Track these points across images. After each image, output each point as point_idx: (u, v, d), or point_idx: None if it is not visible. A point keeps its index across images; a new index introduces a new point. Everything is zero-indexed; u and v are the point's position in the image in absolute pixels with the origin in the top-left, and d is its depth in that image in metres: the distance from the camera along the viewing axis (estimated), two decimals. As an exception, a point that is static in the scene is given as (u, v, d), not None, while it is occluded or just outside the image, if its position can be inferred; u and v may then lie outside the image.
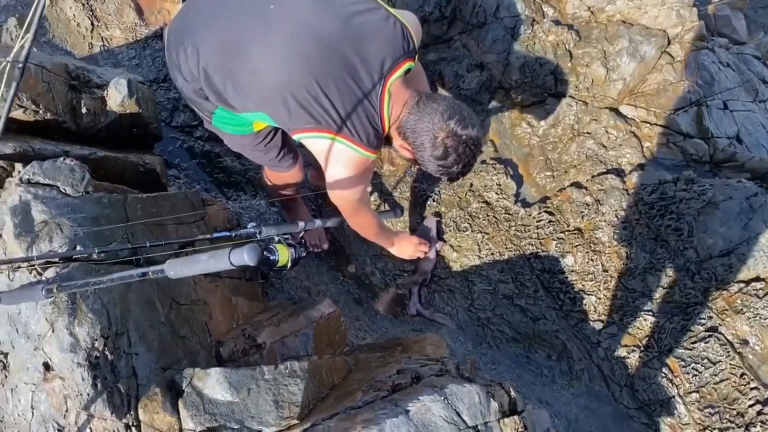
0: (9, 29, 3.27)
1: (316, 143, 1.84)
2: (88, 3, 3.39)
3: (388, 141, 2.01)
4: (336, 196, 2.06)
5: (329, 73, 1.73)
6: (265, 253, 2.34)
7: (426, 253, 2.61)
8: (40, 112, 2.25)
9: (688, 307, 2.45)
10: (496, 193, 2.77)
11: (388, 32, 1.79)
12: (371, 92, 1.77)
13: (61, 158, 1.99)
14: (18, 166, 2.00)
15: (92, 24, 3.38)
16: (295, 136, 1.86)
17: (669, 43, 2.79)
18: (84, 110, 2.39)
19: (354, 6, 1.79)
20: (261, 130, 2.08)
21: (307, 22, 1.75)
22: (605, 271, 2.55)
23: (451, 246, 2.78)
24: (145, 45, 3.32)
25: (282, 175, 2.42)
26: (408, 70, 1.85)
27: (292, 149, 2.30)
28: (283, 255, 2.33)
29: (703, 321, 2.42)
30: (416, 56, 1.90)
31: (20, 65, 0.83)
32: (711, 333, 2.41)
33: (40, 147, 2.09)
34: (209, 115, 2.05)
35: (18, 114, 2.24)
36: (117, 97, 2.43)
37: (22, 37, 0.79)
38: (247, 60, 1.79)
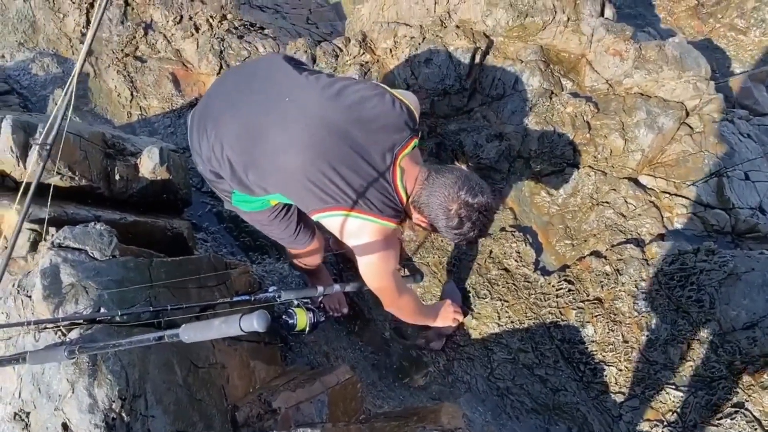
0: (55, 99, 3.48)
1: (332, 221, 1.94)
2: (129, 75, 3.60)
3: (407, 215, 2.11)
4: (370, 276, 2.14)
5: (343, 157, 1.86)
6: (284, 317, 2.40)
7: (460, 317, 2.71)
8: (76, 178, 2.37)
9: (712, 382, 2.39)
10: (516, 261, 2.78)
11: (395, 115, 1.93)
12: (385, 171, 1.89)
13: (92, 223, 2.08)
14: (52, 230, 2.10)
15: (132, 94, 3.57)
16: (314, 217, 1.97)
17: (687, 114, 2.83)
18: (117, 176, 2.51)
19: (362, 93, 1.94)
20: (276, 204, 2.18)
21: (321, 113, 1.88)
22: (626, 342, 2.52)
23: (471, 313, 2.79)
24: (180, 114, 3.49)
25: (302, 250, 2.50)
26: (414, 147, 1.97)
27: (309, 224, 2.39)
28: (302, 319, 2.38)
29: (728, 396, 2.35)
30: (419, 133, 2.03)
31: (48, 146, 0.91)
32: (737, 409, 2.34)
33: (74, 212, 2.20)
34: (228, 195, 2.17)
35: (55, 180, 2.37)
36: (149, 164, 2.55)
37: (50, 124, 0.87)
38: (266, 149, 1.92)
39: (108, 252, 1.99)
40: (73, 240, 1.97)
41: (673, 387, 2.43)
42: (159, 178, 2.58)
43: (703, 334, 2.43)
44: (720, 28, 3.97)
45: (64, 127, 1.05)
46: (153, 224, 2.45)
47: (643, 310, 2.52)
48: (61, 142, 1.11)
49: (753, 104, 3.29)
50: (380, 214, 1.91)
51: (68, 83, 0.98)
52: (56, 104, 3.44)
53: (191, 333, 1.47)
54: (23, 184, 0.92)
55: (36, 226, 2.07)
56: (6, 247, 2.14)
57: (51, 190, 1.22)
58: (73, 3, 3.84)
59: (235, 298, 2.18)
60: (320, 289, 2.43)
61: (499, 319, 2.72)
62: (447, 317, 2.66)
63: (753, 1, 3.97)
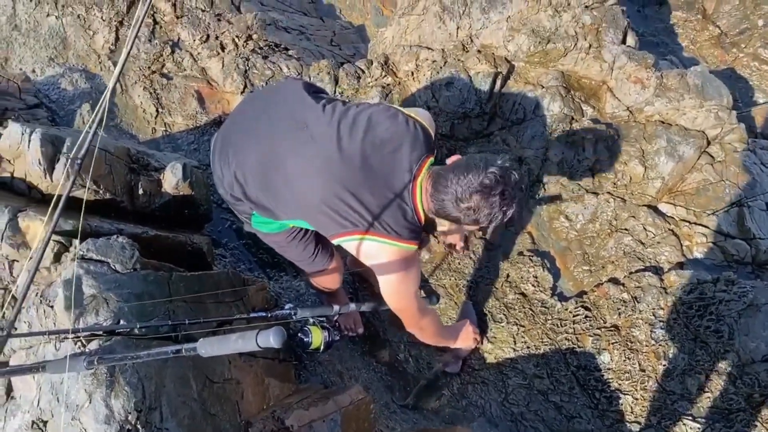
0: (82, 114, 3.55)
1: (351, 245, 1.96)
2: (155, 92, 3.67)
3: (431, 227, 2.11)
4: (391, 296, 2.15)
5: (360, 181, 1.88)
6: (299, 334, 2.40)
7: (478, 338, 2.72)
8: (100, 192, 2.42)
9: (730, 414, 2.36)
10: (533, 286, 2.77)
11: (411, 135, 1.95)
12: (402, 191, 1.89)
13: (114, 236, 2.12)
14: (75, 242, 2.14)
15: (157, 111, 3.64)
16: (334, 241, 1.99)
17: (708, 143, 2.82)
18: (141, 191, 2.56)
19: (375, 116, 1.96)
20: (293, 227, 2.22)
21: (337, 141, 1.91)
22: (642, 370, 2.49)
23: (486, 337, 2.78)
24: (203, 131, 3.54)
25: (320, 272, 2.52)
26: (431, 164, 1.97)
27: (328, 246, 2.41)
28: (317, 337, 2.38)
29: (746, 429, 2.31)
30: (434, 151, 2.02)
31: (78, 161, 0.94)
32: (756, 443, 2.30)
33: (97, 225, 2.24)
34: (248, 217, 2.21)
35: (80, 193, 2.42)
36: (172, 180, 2.60)
37: (82, 140, 0.90)
38: (285, 178, 1.96)
39: (129, 265, 2.03)
40: (96, 252, 2.00)
41: (690, 418, 2.40)
42: (181, 193, 2.62)
43: (722, 365, 2.40)
44: (743, 57, 3.96)
45: (96, 141, 1.08)
46: (174, 239, 2.48)
47: (661, 338, 2.49)
48: (93, 158, 1.14)
49: (775, 135, 3.27)
50: (398, 236, 1.92)
51: (101, 99, 1.01)
52: (84, 119, 3.52)
53: (208, 347, 1.49)
54: (54, 197, 0.95)
55: (60, 238, 2.11)
56: (31, 257, 2.19)
57: (84, 204, 1.26)
58: (103, 21, 3.94)
59: (252, 315, 2.20)
60: (336, 307, 2.44)
61: (515, 343, 2.71)
62: (467, 338, 2.66)
63: (777, 31, 3.96)
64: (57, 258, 2.09)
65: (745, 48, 4.00)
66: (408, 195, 1.91)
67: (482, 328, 2.79)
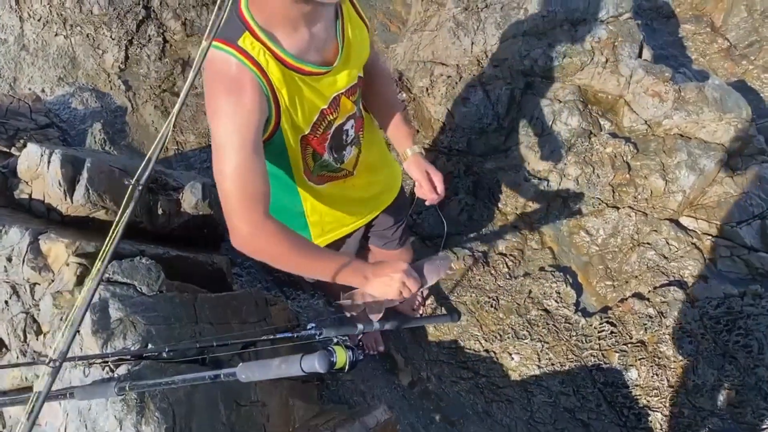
0: (94, 133, 3.53)
1: None
2: (166, 110, 3.66)
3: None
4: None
5: None
6: (323, 354, 2.37)
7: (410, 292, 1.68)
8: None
9: (761, 430, 2.32)
10: (556, 302, 2.74)
11: None
12: None
13: (138, 257, 2.09)
14: (97, 263, 2.11)
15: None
16: None
17: (728, 156, 2.81)
18: (160, 211, 2.53)
19: None
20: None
21: None
22: (671, 386, 2.46)
23: (509, 353, 2.74)
24: (216, 149, 3.52)
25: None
26: None
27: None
28: (341, 357, 2.33)
29: (779, 445, 2.29)
30: None
31: (140, 187, 0.91)
32: (789, 459, 2.27)
33: (119, 246, 2.20)
34: None
35: (100, 214, 2.39)
36: (191, 199, 2.57)
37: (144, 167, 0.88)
38: None
39: (156, 287, 1.99)
40: (122, 275, 1.97)
41: (722, 435, 2.37)
42: (200, 213, 2.59)
43: (752, 380, 2.37)
44: (753, 69, 3.97)
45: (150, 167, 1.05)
46: (194, 260, 2.45)
47: (689, 354, 2.46)
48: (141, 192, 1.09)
49: (791, 146, 3.26)
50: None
51: (165, 125, 0.99)
52: (95, 138, 3.49)
53: (249, 372, 1.45)
54: (115, 222, 0.93)
55: (83, 260, 2.08)
56: (53, 281, 2.15)
57: (119, 226, 1.23)
58: (113, 40, 3.93)
59: (278, 335, 2.16)
60: (360, 326, 2.40)
61: (540, 360, 2.67)
62: (384, 284, 1.59)
63: (786, 43, 3.97)
64: (80, 281, 2.06)
65: (755, 60, 4.01)
66: None
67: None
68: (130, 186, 0.98)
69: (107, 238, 0.98)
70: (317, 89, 1.54)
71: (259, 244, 1.45)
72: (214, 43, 1.38)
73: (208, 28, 1.02)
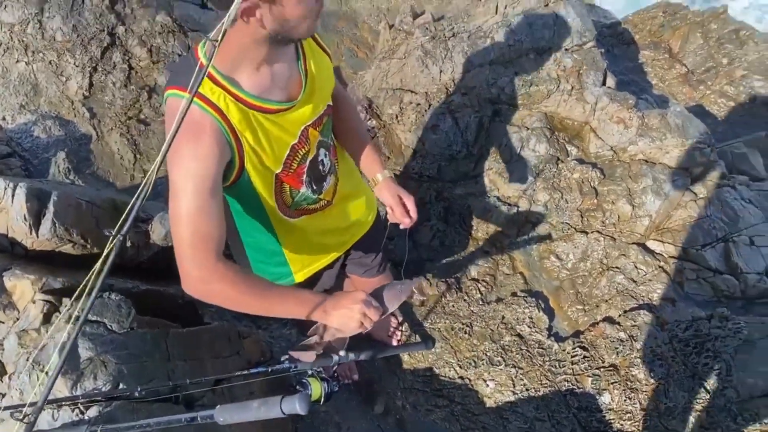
0: (58, 162, 3.46)
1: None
2: (132, 138, 3.60)
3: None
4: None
5: None
6: (297, 387, 2.34)
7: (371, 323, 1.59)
8: (88, 246, 2.33)
9: (732, 451, 2.37)
10: (529, 327, 2.76)
11: None
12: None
13: (107, 293, 2.04)
14: (65, 300, 2.05)
15: (135, 157, 3.57)
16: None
17: (692, 181, 2.89)
18: (128, 243, 2.48)
19: None
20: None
21: None
22: (643, 410, 2.49)
23: (484, 380, 2.74)
24: (184, 177, 3.47)
25: None
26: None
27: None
28: (316, 389, 2.30)
29: (749, 466, 2.33)
30: None
31: (121, 236, 0.89)
32: (759, 479, 2.31)
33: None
34: None
35: (67, 248, 2.33)
36: (161, 230, 2.52)
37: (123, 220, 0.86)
38: None
39: (126, 324, 1.95)
40: (92, 312, 1.92)
41: (694, 457, 2.40)
42: (170, 244, 2.55)
43: (721, 401, 2.41)
44: (711, 94, 4.11)
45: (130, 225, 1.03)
46: (165, 292, 2.41)
47: (660, 377, 2.50)
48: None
49: (750, 170, 3.37)
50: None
51: (148, 175, 0.97)
52: (59, 168, 3.42)
53: (227, 415, 1.42)
54: (95, 270, 0.90)
55: (50, 297, 2.02)
56: (18, 319, 2.08)
57: (103, 266, 1.21)
58: (77, 66, 3.87)
59: (252, 370, 2.13)
60: (335, 358, 2.38)
61: (514, 387, 2.68)
62: (344, 316, 1.54)
63: (741, 69, 4.13)
64: (47, 319, 2.00)
65: (711, 85, 4.15)
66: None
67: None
68: (111, 237, 0.95)
69: (86, 289, 0.95)
70: (284, 126, 1.55)
71: (210, 287, 1.43)
72: (173, 91, 1.42)
73: (191, 84, 1.01)
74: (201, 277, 1.40)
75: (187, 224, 1.37)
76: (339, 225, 2.00)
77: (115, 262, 2.14)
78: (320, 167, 1.74)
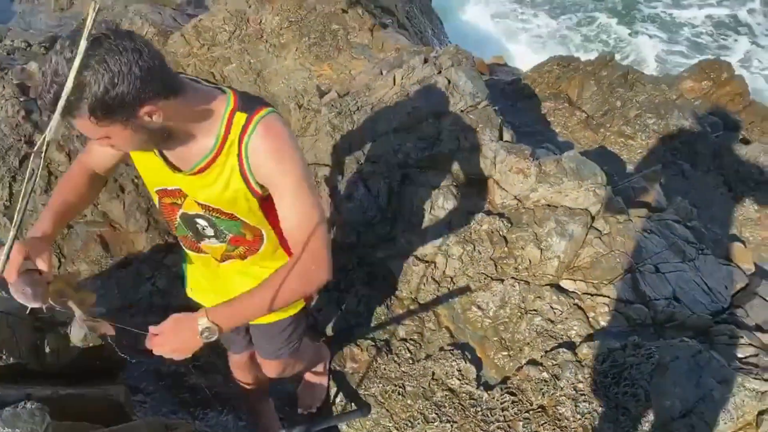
0: (-22, 276, 3.41)
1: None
2: (54, 242, 3.60)
3: None
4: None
5: None
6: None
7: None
8: (3, 357, 2.31)
9: (663, 475, 2.44)
10: (458, 379, 2.83)
11: None
12: None
13: (21, 403, 2.02)
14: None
15: (60, 261, 3.56)
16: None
17: (593, 219, 3.06)
18: (48, 349, 2.46)
19: None
20: None
21: None
22: (575, 446, 2.56)
23: (421, 439, 2.77)
24: (110, 275, 3.48)
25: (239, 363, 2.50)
26: None
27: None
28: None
29: (680, 488, 2.40)
30: None
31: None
32: (691, 499, 2.37)
33: (1, 393, 2.13)
34: None
35: (-20, 362, 2.31)
36: (79, 333, 2.51)
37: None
38: None
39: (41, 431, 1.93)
40: (3, 425, 1.90)
41: (628, 486, 2.46)
42: (91, 345, 2.55)
43: (645, 427, 2.50)
44: (610, 135, 4.39)
45: None
46: (87, 395, 2.39)
47: (585, 412, 2.58)
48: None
49: (651, 201, 3.57)
50: None
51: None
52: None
53: None
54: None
55: (-39, 416, 1.99)
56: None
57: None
58: (-5, 178, 3.88)
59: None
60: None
61: (450, 441, 2.72)
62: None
63: (635, 109, 4.43)
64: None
65: (610, 127, 4.44)
66: None
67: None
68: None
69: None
70: (162, 174, 1.65)
71: None
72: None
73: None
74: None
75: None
76: (218, 284, 2.03)
77: (34, 370, 2.13)
78: (197, 227, 1.79)
